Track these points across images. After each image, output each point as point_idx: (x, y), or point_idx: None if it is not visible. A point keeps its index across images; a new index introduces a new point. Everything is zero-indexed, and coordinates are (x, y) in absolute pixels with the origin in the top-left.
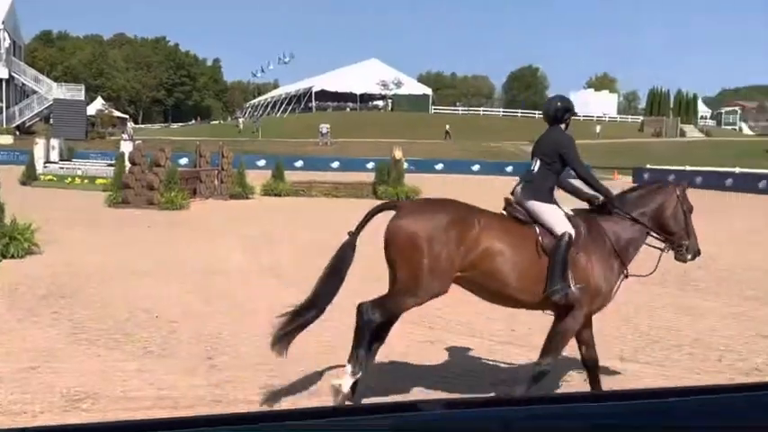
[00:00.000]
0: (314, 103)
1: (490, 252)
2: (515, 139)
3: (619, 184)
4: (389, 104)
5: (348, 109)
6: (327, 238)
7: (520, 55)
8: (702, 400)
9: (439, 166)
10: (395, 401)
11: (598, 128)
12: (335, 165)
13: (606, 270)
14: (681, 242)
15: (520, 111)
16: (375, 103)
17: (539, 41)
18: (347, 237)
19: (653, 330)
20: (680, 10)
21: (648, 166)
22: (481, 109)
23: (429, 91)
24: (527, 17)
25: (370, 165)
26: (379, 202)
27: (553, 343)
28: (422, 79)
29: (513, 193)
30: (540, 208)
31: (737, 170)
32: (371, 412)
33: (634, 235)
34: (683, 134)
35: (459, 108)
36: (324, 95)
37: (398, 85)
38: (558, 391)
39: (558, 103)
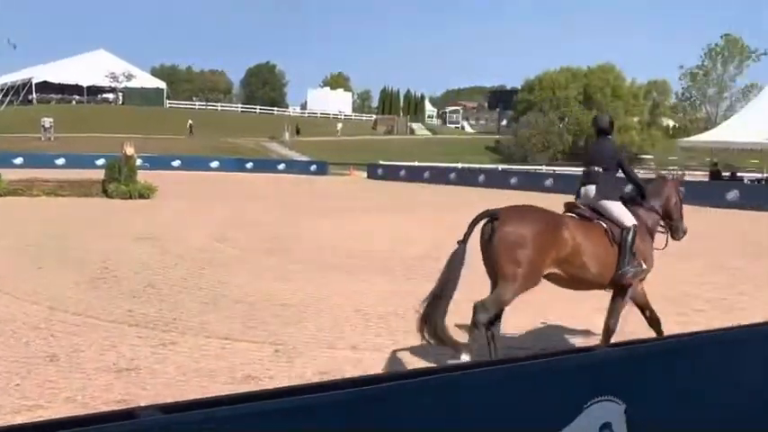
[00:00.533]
0: (35, 96)
1: (580, 249)
2: (254, 136)
3: (354, 178)
4: (120, 98)
5: (74, 102)
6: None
7: (257, 51)
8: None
9: (176, 163)
10: (113, 410)
11: (339, 125)
12: (61, 162)
13: (650, 249)
14: (677, 225)
15: (258, 107)
16: (104, 96)
17: (275, 38)
18: (456, 245)
19: (382, 319)
20: (408, 15)
21: (381, 162)
22: (219, 104)
23: (163, 85)
24: (265, 13)
25: (101, 162)
26: (115, 201)
27: (617, 308)
28: (155, 72)
29: (578, 196)
30: (610, 206)
31: (460, 165)
32: (86, 423)
33: (654, 221)
34: (412, 132)
35: (197, 103)
36: (46, 87)
37: (129, 77)
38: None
39: (608, 118)
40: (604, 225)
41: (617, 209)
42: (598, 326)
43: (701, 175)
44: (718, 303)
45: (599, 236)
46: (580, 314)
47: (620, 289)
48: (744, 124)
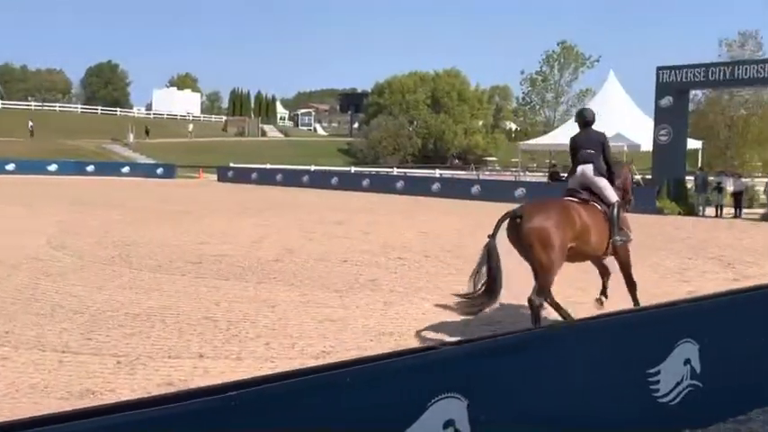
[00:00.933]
0: None
1: (587, 228)
2: (96, 137)
3: (204, 181)
4: None
5: None
6: None
7: (98, 49)
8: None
9: (10, 167)
10: None
11: (191, 126)
12: None
13: (626, 219)
14: (630, 199)
15: (100, 108)
16: None
17: (117, 37)
18: (487, 239)
19: (232, 325)
20: (257, 16)
21: (232, 164)
22: (57, 105)
23: None
24: (107, 12)
25: None
26: None
27: (627, 265)
28: None
29: (574, 176)
30: (601, 182)
31: (313, 168)
32: None
33: (620, 197)
34: (264, 134)
35: (32, 103)
36: None
37: None
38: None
39: (592, 112)
40: (598, 205)
41: (606, 186)
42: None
43: (540, 176)
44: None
45: (596, 213)
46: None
47: (617, 256)
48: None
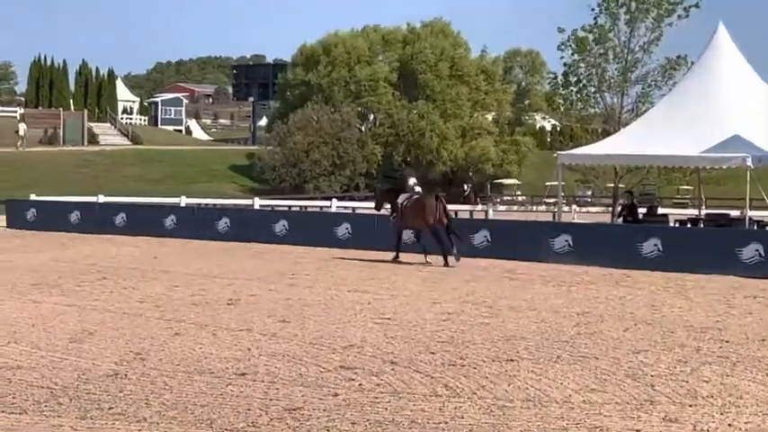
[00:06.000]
0: None
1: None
2: None
3: None
4: None
5: None
6: None
7: None
8: None
9: None
10: None
11: (23, 130)
12: None
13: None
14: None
15: None
16: None
17: None
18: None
19: None
20: None
21: (34, 197)
22: None
23: None
24: None
25: None
26: None
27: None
28: None
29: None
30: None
31: (184, 201)
32: None
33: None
34: (94, 139)
35: None
36: None
37: None
38: None
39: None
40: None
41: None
42: None
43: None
44: None
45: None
46: None
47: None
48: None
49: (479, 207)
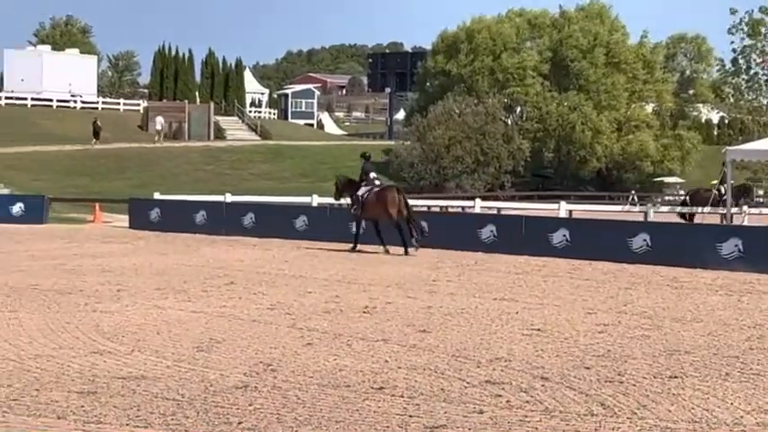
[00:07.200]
0: None
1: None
2: None
3: (105, 228)
4: None
5: None
6: None
7: None
8: None
9: None
10: None
11: (160, 125)
12: None
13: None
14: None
15: None
16: None
17: None
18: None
19: None
20: None
21: (158, 195)
22: None
23: None
24: None
25: None
26: None
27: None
28: None
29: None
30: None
31: (316, 200)
32: None
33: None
34: (220, 133)
35: None
36: None
37: None
38: None
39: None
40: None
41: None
42: None
43: None
44: None
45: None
46: None
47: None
48: None
49: (636, 208)
